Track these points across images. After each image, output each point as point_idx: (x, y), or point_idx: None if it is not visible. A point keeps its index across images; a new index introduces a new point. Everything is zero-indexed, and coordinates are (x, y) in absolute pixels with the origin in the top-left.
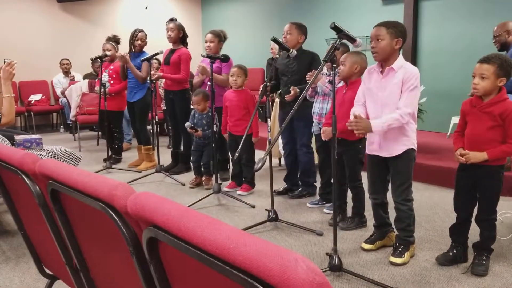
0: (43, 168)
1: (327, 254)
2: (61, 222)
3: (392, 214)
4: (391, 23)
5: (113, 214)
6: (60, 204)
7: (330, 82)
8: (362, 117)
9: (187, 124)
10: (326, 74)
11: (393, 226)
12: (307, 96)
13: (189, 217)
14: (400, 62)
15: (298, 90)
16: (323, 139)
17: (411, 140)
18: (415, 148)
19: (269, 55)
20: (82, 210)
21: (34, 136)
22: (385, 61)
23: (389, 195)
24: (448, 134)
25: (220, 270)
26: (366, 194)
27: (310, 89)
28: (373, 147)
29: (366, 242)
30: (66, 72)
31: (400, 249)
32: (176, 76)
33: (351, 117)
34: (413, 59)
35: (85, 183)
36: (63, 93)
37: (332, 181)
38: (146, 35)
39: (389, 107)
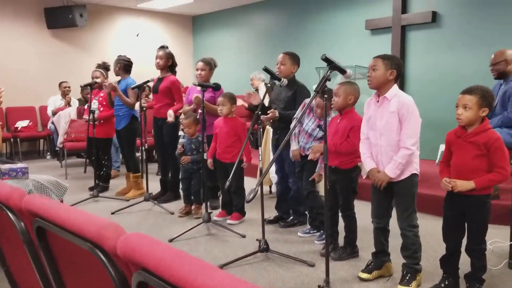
0: (30, 204)
1: (319, 286)
2: (47, 260)
3: (392, 242)
4: (387, 56)
5: (101, 255)
6: (46, 242)
7: (319, 126)
8: (376, 173)
9: (181, 140)
10: (315, 116)
11: (400, 254)
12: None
13: (182, 262)
14: (394, 91)
15: (277, 114)
16: (310, 157)
17: (414, 165)
18: (418, 174)
19: None
20: (69, 248)
21: (19, 165)
22: (379, 90)
23: (392, 222)
24: (437, 161)
25: None
26: (359, 223)
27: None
28: None
29: (363, 271)
30: (65, 95)
31: (407, 277)
32: (176, 107)
33: (371, 174)
34: (401, 87)
35: (72, 222)
36: (54, 113)
37: (316, 208)
38: (122, 60)
39: (386, 136)
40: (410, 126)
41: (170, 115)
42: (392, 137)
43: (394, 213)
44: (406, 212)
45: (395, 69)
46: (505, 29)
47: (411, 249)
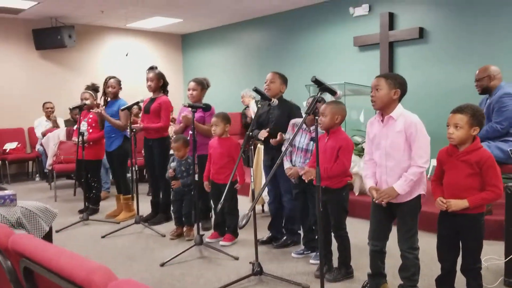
0: (16, 244)
1: None
2: None
3: (390, 263)
4: (390, 75)
5: None
6: (34, 282)
7: (312, 139)
8: (381, 189)
9: (172, 164)
10: (306, 129)
11: (399, 275)
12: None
13: None
14: (399, 110)
15: (284, 137)
16: (304, 178)
17: (422, 185)
18: (425, 193)
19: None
20: None
21: (7, 192)
22: (383, 110)
23: (389, 244)
24: (428, 176)
25: None
26: (352, 242)
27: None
28: None
29: None
30: (49, 116)
31: None
32: (156, 125)
33: (369, 192)
34: None
35: (60, 264)
36: (44, 134)
37: (314, 228)
38: (118, 81)
39: (392, 157)
40: (420, 145)
41: (139, 127)
42: (400, 157)
43: (390, 233)
44: (408, 234)
45: (399, 88)
46: (491, 42)
47: (410, 271)
